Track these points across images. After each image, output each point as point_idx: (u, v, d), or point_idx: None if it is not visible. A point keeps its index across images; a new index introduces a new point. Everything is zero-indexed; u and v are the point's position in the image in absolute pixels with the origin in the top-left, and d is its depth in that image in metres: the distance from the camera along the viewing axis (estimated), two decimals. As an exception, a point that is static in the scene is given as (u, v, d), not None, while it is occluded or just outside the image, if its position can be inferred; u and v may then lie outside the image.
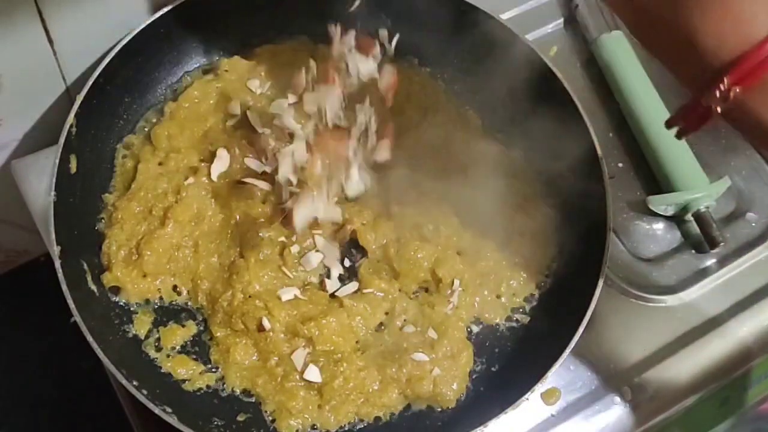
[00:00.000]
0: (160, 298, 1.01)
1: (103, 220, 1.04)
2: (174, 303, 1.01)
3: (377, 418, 0.96)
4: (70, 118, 1.00)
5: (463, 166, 1.07)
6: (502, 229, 1.05)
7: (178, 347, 0.99)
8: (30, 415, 1.37)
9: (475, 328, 1.03)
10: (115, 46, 1.05)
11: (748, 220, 1.17)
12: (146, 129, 1.10)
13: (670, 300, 1.10)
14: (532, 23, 1.31)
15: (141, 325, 0.99)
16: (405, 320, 1.01)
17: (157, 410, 0.88)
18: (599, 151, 1.04)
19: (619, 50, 1.24)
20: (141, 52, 1.09)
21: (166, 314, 1.01)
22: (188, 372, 0.97)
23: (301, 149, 0.97)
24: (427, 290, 1.03)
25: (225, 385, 0.97)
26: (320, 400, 0.95)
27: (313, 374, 0.95)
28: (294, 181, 1.05)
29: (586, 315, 0.95)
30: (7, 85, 1.05)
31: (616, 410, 1.03)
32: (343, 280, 1.02)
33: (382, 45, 0.99)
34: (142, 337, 0.99)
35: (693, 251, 1.15)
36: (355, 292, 1.01)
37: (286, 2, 1.17)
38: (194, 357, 0.98)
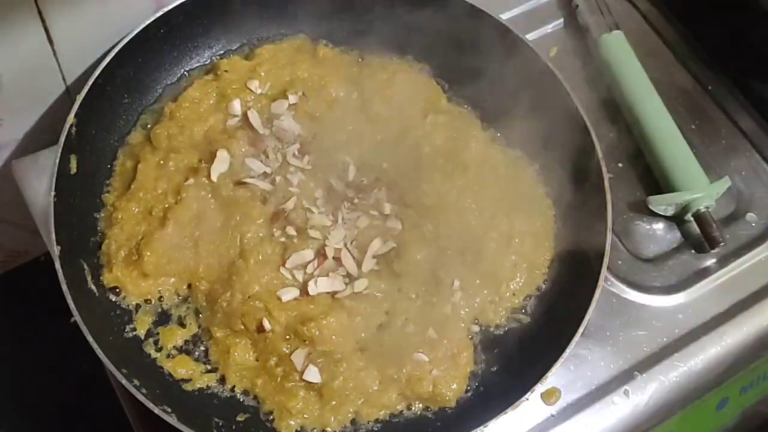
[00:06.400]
0: (160, 298, 1.01)
1: (103, 221, 1.04)
2: (174, 303, 1.01)
3: (377, 418, 0.96)
4: (70, 118, 1.00)
5: (463, 166, 1.07)
6: (502, 229, 1.05)
7: (178, 347, 0.99)
8: (30, 415, 1.37)
9: (475, 328, 1.02)
10: (115, 46, 1.06)
11: (748, 220, 1.17)
12: (146, 129, 1.10)
13: (670, 300, 1.10)
14: (532, 23, 1.31)
15: (141, 325, 0.99)
16: (405, 320, 1.00)
17: (157, 410, 0.88)
18: (599, 151, 1.04)
19: (619, 50, 1.24)
20: (141, 52, 1.09)
21: (166, 314, 1.01)
22: (188, 372, 0.97)
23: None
24: (427, 290, 1.03)
25: (225, 385, 0.97)
26: (320, 400, 0.95)
27: (313, 375, 0.94)
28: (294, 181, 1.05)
29: (586, 315, 0.95)
30: (7, 85, 1.05)
31: (616, 410, 1.03)
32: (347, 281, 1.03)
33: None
34: (142, 337, 0.99)
35: (693, 251, 1.15)
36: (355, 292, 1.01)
37: (286, 2, 1.18)
38: (194, 357, 0.98)
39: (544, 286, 1.05)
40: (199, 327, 1.00)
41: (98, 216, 1.04)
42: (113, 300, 1.00)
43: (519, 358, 1.00)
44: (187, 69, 1.16)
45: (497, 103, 1.13)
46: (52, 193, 0.97)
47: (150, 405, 0.88)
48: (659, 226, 1.17)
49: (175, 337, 0.99)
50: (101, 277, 1.00)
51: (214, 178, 1.04)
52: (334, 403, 0.95)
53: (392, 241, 1.02)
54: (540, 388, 0.92)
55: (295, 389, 0.95)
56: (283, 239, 1.02)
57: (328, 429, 0.95)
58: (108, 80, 1.05)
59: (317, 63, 1.15)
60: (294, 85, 1.12)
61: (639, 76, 1.21)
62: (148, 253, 0.99)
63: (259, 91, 1.12)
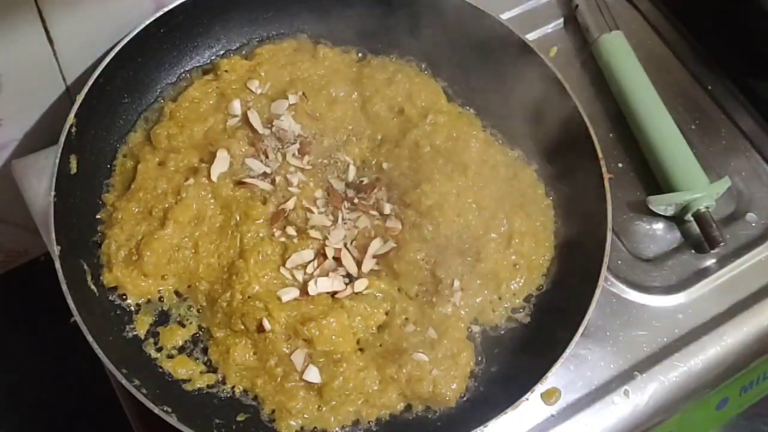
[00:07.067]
0: (160, 298, 1.01)
1: (103, 221, 1.04)
2: (174, 303, 1.01)
3: (377, 418, 0.96)
4: (70, 118, 1.00)
5: (463, 166, 1.07)
6: (502, 229, 1.05)
7: (178, 347, 0.99)
8: (30, 415, 1.37)
9: (475, 328, 1.02)
10: (115, 46, 1.06)
11: (748, 220, 1.17)
12: (146, 129, 1.10)
13: (670, 300, 1.10)
14: (532, 23, 1.31)
15: (141, 325, 0.99)
16: (405, 320, 1.00)
17: (157, 410, 0.88)
18: (599, 151, 1.04)
19: (619, 50, 1.24)
20: (141, 52, 1.09)
21: (166, 314, 1.01)
22: (188, 372, 0.97)
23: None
24: (427, 290, 1.03)
25: (225, 385, 0.97)
26: (320, 400, 0.95)
27: (313, 375, 0.95)
28: (294, 181, 1.06)
29: (586, 315, 0.95)
30: (7, 85, 1.05)
31: (616, 410, 1.03)
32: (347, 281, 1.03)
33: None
34: (142, 337, 0.99)
35: (693, 251, 1.15)
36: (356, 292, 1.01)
37: (286, 2, 1.18)
38: (194, 357, 0.98)
39: (544, 286, 1.05)
40: (199, 327, 1.00)
41: (98, 216, 1.04)
42: (113, 300, 1.00)
43: (519, 358, 1.00)
44: (187, 69, 1.16)
45: (497, 103, 1.13)
46: (52, 193, 0.97)
47: (150, 405, 0.88)
48: (659, 226, 1.17)
49: (175, 337, 0.99)
50: (101, 277, 1.00)
51: (214, 178, 1.04)
52: (334, 403, 0.95)
53: (392, 241, 1.02)
54: (540, 388, 0.92)
55: (295, 389, 0.95)
56: (283, 239, 1.03)
57: (328, 429, 0.95)
58: (108, 80, 1.05)
59: (317, 63, 1.15)
60: (294, 85, 1.12)
61: (639, 76, 1.21)
62: (148, 253, 0.99)
63: (259, 91, 1.12)
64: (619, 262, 1.12)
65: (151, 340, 0.99)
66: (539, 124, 1.10)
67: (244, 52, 1.17)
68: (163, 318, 1.00)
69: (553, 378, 0.95)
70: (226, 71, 1.12)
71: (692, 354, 1.06)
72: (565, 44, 1.31)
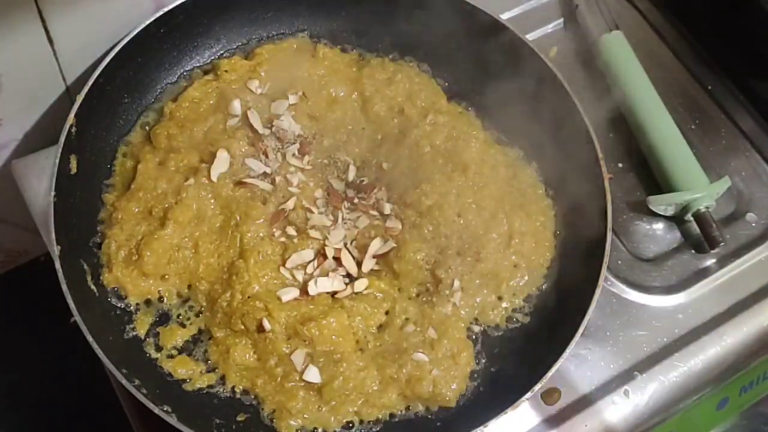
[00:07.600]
0: (160, 298, 1.01)
1: (103, 220, 1.04)
2: (174, 303, 1.01)
3: (377, 418, 0.96)
4: (70, 118, 1.00)
5: (463, 166, 1.07)
6: (502, 229, 1.05)
7: (178, 347, 0.99)
8: (30, 415, 1.37)
9: (475, 328, 1.02)
10: (115, 46, 1.06)
11: (748, 220, 1.17)
12: (146, 129, 1.10)
13: (670, 300, 1.10)
14: (532, 23, 1.31)
15: (141, 325, 0.99)
16: (405, 320, 1.01)
17: (157, 410, 0.88)
18: (599, 151, 1.04)
19: (619, 50, 1.24)
20: (141, 52, 1.09)
21: (166, 314, 1.01)
22: (188, 372, 0.97)
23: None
24: (427, 290, 1.03)
25: (225, 385, 0.97)
26: (320, 400, 0.95)
27: (313, 375, 0.95)
28: (294, 181, 1.06)
29: (586, 315, 0.95)
30: (7, 85, 1.05)
31: (616, 410, 1.03)
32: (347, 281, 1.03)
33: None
34: (142, 337, 0.99)
35: (693, 251, 1.15)
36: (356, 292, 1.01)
37: (286, 2, 1.18)
38: (194, 357, 0.98)
39: (544, 286, 1.05)
40: (199, 327, 1.00)
41: (98, 216, 1.04)
42: (113, 300, 1.00)
43: (519, 358, 1.00)
44: (187, 69, 1.16)
45: (497, 103, 1.13)
46: (52, 193, 0.97)
47: (150, 405, 0.88)
48: (659, 226, 1.17)
49: (175, 337, 0.99)
50: (101, 277, 1.00)
51: (214, 178, 1.04)
52: (334, 403, 0.95)
53: (392, 241, 1.02)
54: (540, 388, 0.92)
55: (295, 389, 0.95)
56: (283, 239, 1.03)
57: (328, 429, 0.95)
58: (108, 80, 1.05)
59: (317, 63, 1.15)
60: (294, 85, 1.12)
61: (639, 76, 1.21)
62: (148, 253, 0.99)
63: (259, 91, 1.12)
64: (619, 262, 1.12)
65: (151, 340, 0.99)
66: (539, 125, 1.10)
67: (244, 52, 1.17)
68: (163, 318, 1.00)
69: (553, 378, 0.95)
70: (226, 71, 1.12)
71: (692, 354, 1.06)
72: (565, 44, 1.31)
